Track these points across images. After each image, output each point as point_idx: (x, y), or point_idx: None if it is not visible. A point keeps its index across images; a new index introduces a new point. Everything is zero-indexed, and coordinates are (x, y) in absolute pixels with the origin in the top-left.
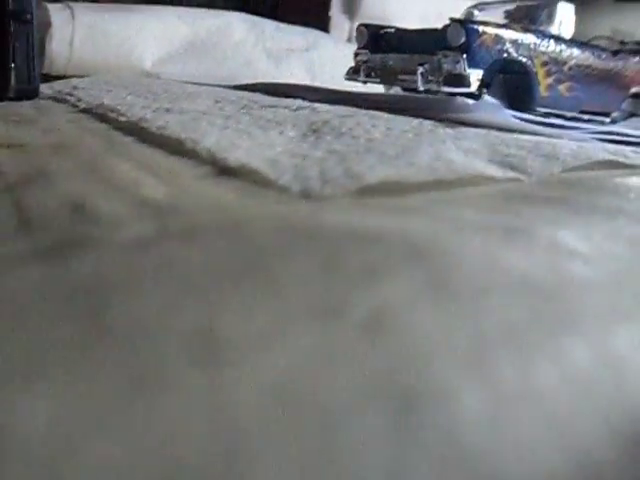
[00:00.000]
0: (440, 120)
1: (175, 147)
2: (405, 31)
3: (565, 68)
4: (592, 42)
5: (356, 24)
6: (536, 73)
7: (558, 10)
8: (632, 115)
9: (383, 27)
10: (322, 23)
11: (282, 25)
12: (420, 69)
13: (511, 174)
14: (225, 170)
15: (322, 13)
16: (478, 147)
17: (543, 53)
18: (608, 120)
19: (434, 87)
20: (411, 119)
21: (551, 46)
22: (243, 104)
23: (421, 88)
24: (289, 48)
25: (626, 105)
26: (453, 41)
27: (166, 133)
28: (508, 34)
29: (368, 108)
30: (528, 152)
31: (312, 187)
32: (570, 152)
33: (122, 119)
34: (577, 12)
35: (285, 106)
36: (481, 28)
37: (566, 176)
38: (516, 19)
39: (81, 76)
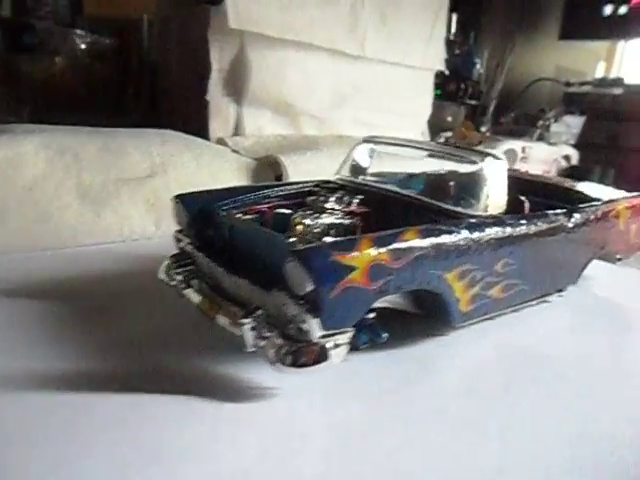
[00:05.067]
0: None
1: None
2: (239, 220)
3: (498, 267)
4: (536, 84)
5: (245, 109)
6: (451, 291)
7: (486, 171)
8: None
9: (214, 194)
10: (199, 111)
11: (116, 142)
12: (247, 322)
13: None
14: None
15: (198, 98)
16: None
17: (460, 258)
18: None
19: (272, 360)
20: None
21: (474, 241)
22: None
23: (250, 349)
24: (121, 178)
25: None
26: (294, 286)
27: None
28: (394, 255)
29: None
30: None
31: None
32: None
33: None
34: (522, 51)
35: None
36: (339, 259)
37: None
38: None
39: None
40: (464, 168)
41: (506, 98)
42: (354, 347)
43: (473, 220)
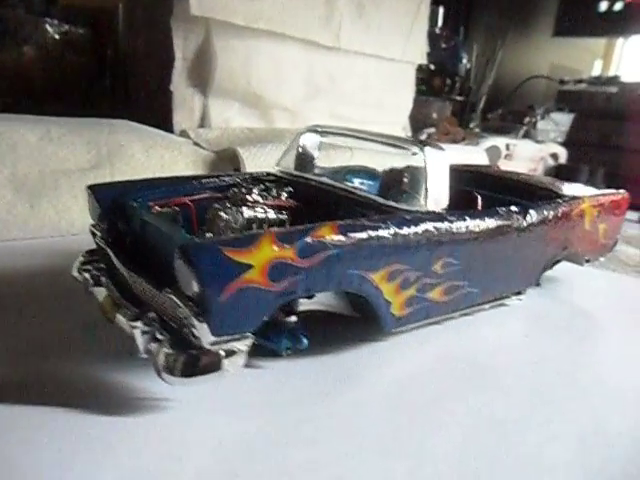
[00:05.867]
0: None
1: None
2: (149, 213)
3: (436, 267)
4: (531, 81)
5: (211, 100)
6: (379, 293)
7: (424, 163)
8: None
9: (131, 185)
10: (164, 101)
11: (59, 131)
12: (138, 326)
13: None
14: None
15: (163, 88)
16: None
17: (388, 257)
18: (521, 297)
19: (159, 369)
20: None
21: (404, 239)
22: None
23: (143, 355)
24: (61, 169)
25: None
26: (183, 286)
27: None
28: (303, 252)
29: None
30: None
31: None
32: None
33: None
34: (516, 47)
35: None
36: (231, 256)
37: None
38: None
39: None
40: (405, 160)
41: (499, 95)
42: (277, 353)
43: (405, 215)
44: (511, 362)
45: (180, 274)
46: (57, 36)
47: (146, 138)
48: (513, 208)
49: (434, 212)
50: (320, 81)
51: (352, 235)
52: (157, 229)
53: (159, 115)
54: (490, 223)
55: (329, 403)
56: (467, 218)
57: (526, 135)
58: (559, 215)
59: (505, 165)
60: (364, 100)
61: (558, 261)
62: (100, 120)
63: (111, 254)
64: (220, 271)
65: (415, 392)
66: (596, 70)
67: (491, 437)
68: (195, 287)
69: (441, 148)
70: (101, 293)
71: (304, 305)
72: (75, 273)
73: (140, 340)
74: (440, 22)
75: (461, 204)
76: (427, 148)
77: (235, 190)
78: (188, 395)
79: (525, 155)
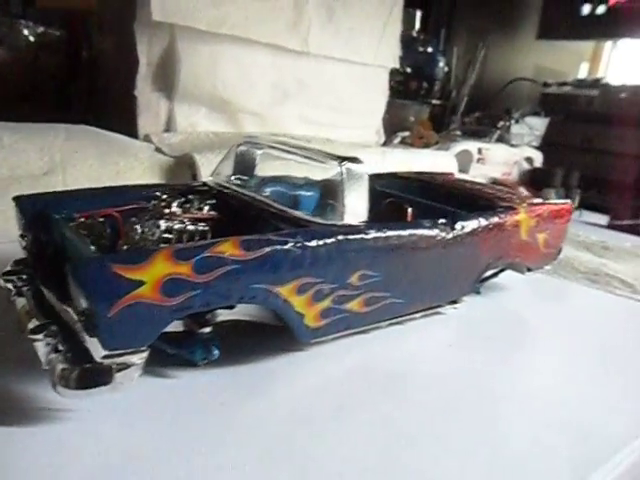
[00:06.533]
0: None
1: None
2: (67, 226)
3: (352, 279)
4: (515, 84)
5: (177, 105)
6: (289, 306)
7: (341, 177)
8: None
9: (58, 196)
10: (129, 106)
11: (12, 137)
12: (40, 339)
13: None
14: None
15: (128, 93)
16: None
17: (295, 271)
18: (457, 306)
19: (54, 381)
20: None
21: (313, 252)
22: None
23: (45, 367)
24: (12, 176)
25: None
26: (75, 301)
27: None
28: (199, 268)
29: None
30: None
31: None
32: None
33: None
34: (499, 50)
35: None
36: (121, 272)
37: None
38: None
39: None
40: (325, 173)
41: (482, 98)
42: (193, 363)
43: (316, 229)
44: (429, 373)
45: (72, 289)
46: (32, 38)
47: (102, 144)
48: (440, 220)
49: (350, 225)
50: (289, 85)
51: (255, 250)
52: (71, 242)
53: (125, 119)
54: (412, 234)
55: (230, 414)
56: (385, 230)
57: (500, 139)
58: (490, 226)
59: (478, 169)
60: (334, 104)
61: (502, 270)
62: (57, 125)
63: (32, 265)
64: (108, 287)
65: (323, 404)
66: (582, 73)
67: (389, 449)
68: (83, 303)
69: (360, 162)
70: (21, 303)
71: (225, 315)
72: (1, 282)
73: (42, 352)
74: (418, 25)
75: (393, 215)
76: (345, 163)
77: (155, 202)
78: (92, 405)
79: (499, 159)
